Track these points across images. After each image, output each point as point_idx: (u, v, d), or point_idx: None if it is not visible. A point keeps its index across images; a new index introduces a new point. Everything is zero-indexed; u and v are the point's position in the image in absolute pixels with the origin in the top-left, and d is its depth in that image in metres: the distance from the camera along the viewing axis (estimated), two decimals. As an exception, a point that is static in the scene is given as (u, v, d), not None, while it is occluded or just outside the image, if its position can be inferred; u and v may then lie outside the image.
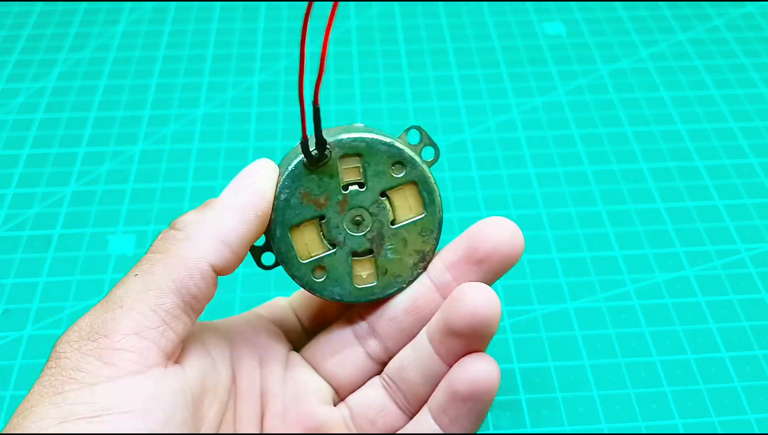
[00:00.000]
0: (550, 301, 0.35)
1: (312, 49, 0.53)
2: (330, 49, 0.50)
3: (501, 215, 0.35)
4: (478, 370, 0.23)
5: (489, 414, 0.31)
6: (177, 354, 0.22)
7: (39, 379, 0.20)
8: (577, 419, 0.31)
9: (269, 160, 0.24)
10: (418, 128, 0.25)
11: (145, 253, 0.22)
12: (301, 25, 0.52)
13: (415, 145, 0.25)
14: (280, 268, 0.25)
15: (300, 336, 0.27)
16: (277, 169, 0.24)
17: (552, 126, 0.44)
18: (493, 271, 0.24)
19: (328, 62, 0.49)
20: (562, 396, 0.32)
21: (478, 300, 0.22)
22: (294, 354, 0.26)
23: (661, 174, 0.41)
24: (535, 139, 0.43)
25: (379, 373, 0.25)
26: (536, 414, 0.31)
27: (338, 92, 0.46)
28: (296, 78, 0.47)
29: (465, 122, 0.44)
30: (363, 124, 0.25)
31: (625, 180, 0.41)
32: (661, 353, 0.33)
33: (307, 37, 0.22)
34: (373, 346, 0.25)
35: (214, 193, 0.40)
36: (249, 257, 0.24)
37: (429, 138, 0.25)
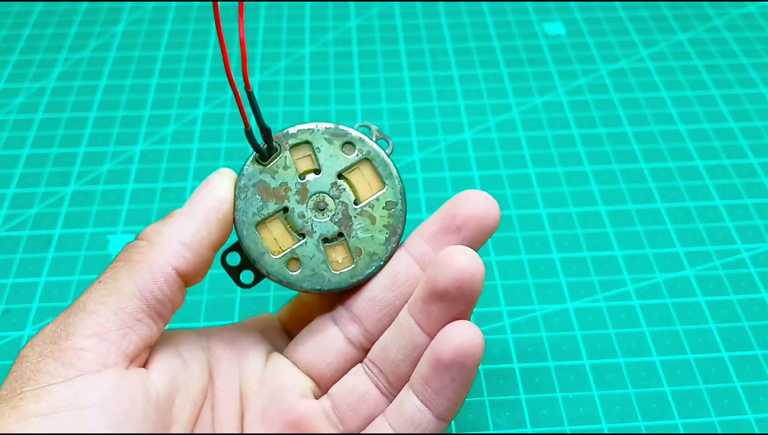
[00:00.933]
0: (550, 301, 0.35)
1: (312, 49, 0.53)
2: (330, 49, 0.50)
3: (501, 215, 0.35)
4: (461, 335, 0.22)
5: (489, 414, 0.31)
6: (142, 358, 0.22)
7: (3, 384, 0.20)
8: (577, 419, 0.31)
9: (227, 169, 0.24)
10: (367, 125, 0.26)
11: None
12: (301, 24, 0.52)
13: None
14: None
15: (286, 343, 0.27)
16: (235, 175, 0.24)
17: (552, 126, 0.44)
18: (471, 237, 0.24)
19: (329, 62, 0.49)
20: (562, 396, 0.32)
21: (463, 260, 0.22)
22: (275, 353, 0.26)
23: (661, 174, 0.41)
24: (535, 139, 0.43)
25: (361, 360, 0.25)
26: (536, 414, 0.31)
27: (338, 92, 0.46)
28: (297, 78, 0.47)
29: (465, 122, 0.44)
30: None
31: (625, 180, 0.41)
32: (661, 353, 0.33)
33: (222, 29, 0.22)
34: (355, 331, 0.25)
35: (214, 193, 0.40)
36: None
37: (380, 132, 0.25)
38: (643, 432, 0.30)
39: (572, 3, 0.54)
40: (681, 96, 0.46)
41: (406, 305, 0.24)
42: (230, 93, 0.46)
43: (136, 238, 0.23)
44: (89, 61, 0.49)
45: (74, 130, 0.44)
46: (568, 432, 0.30)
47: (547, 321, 0.34)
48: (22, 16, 0.53)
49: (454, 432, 0.30)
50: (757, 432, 0.30)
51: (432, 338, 0.23)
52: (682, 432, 0.30)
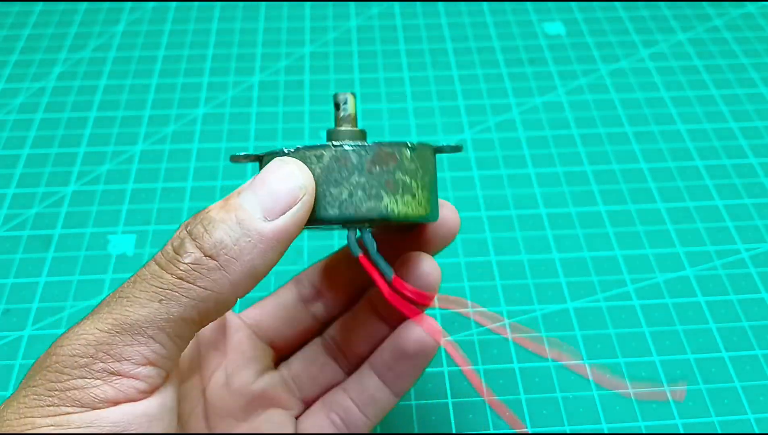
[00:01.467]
0: (550, 301, 0.35)
1: (312, 49, 0.53)
2: (330, 49, 0.50)
3: (501, 215, 0.36)
4: (423, 330, 0.24)
5: (489, 414, 0.31)
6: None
7: (33, 376, 0.19)
8: (577, 419, 0.31)
9: (307, 172, 0.21)
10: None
11: (153, 255, 0.21)
12: (301, 24, 0.52)
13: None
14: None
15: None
16: (314, 185, 0.21)
17: (552, 126, 0.44)
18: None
19: (329, 62, 0.49)
20: (562, 396, 0.32)
21: (427, 266, 0.24)
22: (235, 320, 0.26)
23: (661, 174, 0.41)
24: (535, 139, 0.43)
25: (320, 332, 0.27)
26: (536, 414, 0.31)
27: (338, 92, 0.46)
28: (296, 78, 0.47)
29: (465, 122, 0.44)
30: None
31: (625, 180, 0.41)
32: (661, 353, 0.33)
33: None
34: (319, 308, 0.26)
35: (213, 193, 0.40)
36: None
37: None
38: (643, 432, 0.30)
39: (572, 3, 0.54)
40: (681, 96, 0.46)
41: (368, 294, 0.26)
42: (230, 93, 0.46)
43: (198, 243, 0.20)
44: (89, 61, 0.49)
45: (74, 130, 0.44)
46: (568, 432, 0.30)
47: (547, 321, 0.34)
48: (22, 16, 0.53)
49: (454, 432, 0.30)
50: (757, 432, 0.30)
51: (392, 328, 0.25)
52: (681, 432, 0.30)
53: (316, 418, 0.25)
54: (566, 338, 0.34)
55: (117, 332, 0.19)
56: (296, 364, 0.27)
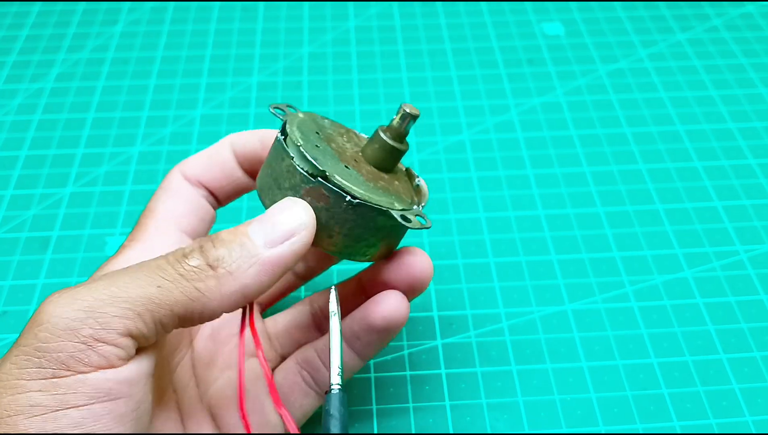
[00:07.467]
0: (548, 302, 0.35)
1: (310, 49, 0.53)
2: (328, 49, 0.50)
3: (499, 216, 0.35)
4: (389, 305, 0.25)
5: (486, 416, 0.31)
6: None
7: (26, 334, 0.21)
8: (574, 421, 0.31)
9: (310, 212, 0.24)
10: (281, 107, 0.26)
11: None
12: (300, 25, 0.52)
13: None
14: None
15: None
16: (313, 217, 0.24)
17: (550, 127, 0.44)
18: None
19: (327, 63, 0.49)
20: (559, 398, 0.32)
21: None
22: None
23: (660, 175, 0.41)
24: (534, 139, 0.43)
25: (298, 286, 0.31)
26: (534, 416, 0.31)
27: (337, 93, 0.46)
28: (295, 78, 0.47)
29: (463, 123, 0.44)
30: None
31: (623, 181, 0.41)
32: (659, 355, 0.33)
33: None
34: (300, 266, 0.30)
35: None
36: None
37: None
38: (641, 434, 0.30)
39: (571, 3, 0.54)
40: (680, 96, 0.46)
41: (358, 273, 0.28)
42: (228, 94, 0.46)
43: (204, 253, 0.22)
44: (87, 62, 0.49)
45: (72, 131, 0.44)
46: (565, 434, 0.30)
47: (545, 323, 0.34)
48: (20, 17, 0.53)
49: (452, 433, 0.30)
50: (755, 434, 0.30)
51: (366, 297, 0.27)
52: (679, 434, 0.30)
53: (288, 373, 0.28)
54: (564, 340, 0.34)
55: (110, 304, 0.21)
56: (282, 325, 0.29)
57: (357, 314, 0.26)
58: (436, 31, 0.52)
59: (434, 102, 0.46)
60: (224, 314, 0.28)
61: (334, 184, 0.23)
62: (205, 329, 0.29)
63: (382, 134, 0.26)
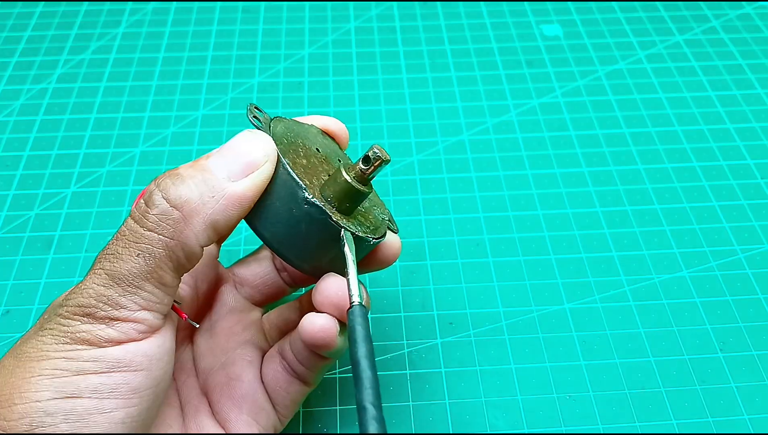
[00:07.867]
0: (547, 302, 0.35)
1: (311, 51, 0.53)
2: (329, 50, 0.50)
3: (498, 217, 0.35)
4: (312, 326, 0.25)
5: (486, 414, 0.31)
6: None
7: (49, 320, 0.22)
8: (573, 420, 0.31)
9: (271, 144, 0.23)
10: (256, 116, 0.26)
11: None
12: (301, 26, 0.52)
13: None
14: None
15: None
16: (275, 149, 0.24)
17: (550, 127, 0.44)
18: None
19: (328, 64, 0.49)
20: (558, 397, 0.32)
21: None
22: (223, 271, 0.30)
23: (658, 175, 0.41)
24: (533, 140, 0.44)
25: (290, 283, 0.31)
26: (533, 414, 0.31)
27: (337, 94, 0.47)
28: (296, 79, 0.48)
29: (463, 124, 0.45)
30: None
31: (622, 181, 0.41)
32: (657, 354, 0.33)
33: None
34: (286, 276, 0.31)
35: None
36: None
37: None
38: (639, 432, 0.31)
39: (570, 4, 0.54)
40: (678, 97, 0.46)
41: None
42: (230, 94, 0.47)
43: (165, 195, 0.22)
44: (90, 63, 0.49)
45: (75, 131, 0.44)
46: (564, 433, 0.31)
47: (543, 322, 0.35)
48: (23, 18, 0.53)
49: (450, 432, 0.31)
50: (752, 432, 0.30)
51: None
52: (677, 432, 0.31)
53: (272, 362, 0.28)
54: (563, 339, 0.34)
55: (111, 286, 0.22)
56: (275, 321, 0.30)
57: (293, 334, 0.27)
58: (436, 32, 0.52)
59: (434, 103, 0.46)
60: (221, 310, 0.30)
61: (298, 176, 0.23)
62: (205, 324, 0.30)
63: (344, 174, 0.24)
